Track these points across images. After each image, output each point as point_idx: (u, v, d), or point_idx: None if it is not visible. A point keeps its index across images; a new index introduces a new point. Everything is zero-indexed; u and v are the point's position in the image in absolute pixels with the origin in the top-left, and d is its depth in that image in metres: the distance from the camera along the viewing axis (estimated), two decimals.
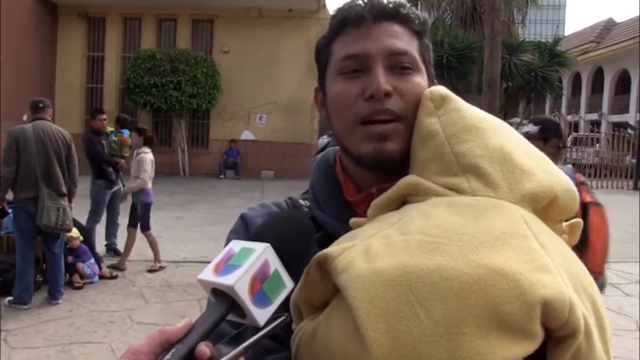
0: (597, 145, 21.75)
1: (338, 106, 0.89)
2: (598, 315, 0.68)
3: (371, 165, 0.87)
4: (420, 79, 0.87)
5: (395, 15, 0.88)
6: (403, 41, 0.87)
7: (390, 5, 0.89)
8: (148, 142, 6.89)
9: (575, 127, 27.01)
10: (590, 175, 18.98)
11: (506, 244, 0.65)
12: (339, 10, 0.91)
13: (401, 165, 0.84)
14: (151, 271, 6.67)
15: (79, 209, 6.57)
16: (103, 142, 7.21)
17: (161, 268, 6.78)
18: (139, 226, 6.78)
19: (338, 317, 0.67)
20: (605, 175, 19.31)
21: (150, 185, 6.76)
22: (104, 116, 7.27)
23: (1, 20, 13.24)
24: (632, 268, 7.42)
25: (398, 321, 0.61)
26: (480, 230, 0.66)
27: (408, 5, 0.92)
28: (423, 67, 0.89)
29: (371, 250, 0.67)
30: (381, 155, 0.84)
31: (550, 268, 0.64)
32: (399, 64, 0.86)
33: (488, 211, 0.69)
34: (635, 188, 18.53)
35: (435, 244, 0.65)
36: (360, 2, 0.89)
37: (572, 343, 0.63)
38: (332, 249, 0.69)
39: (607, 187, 18.66)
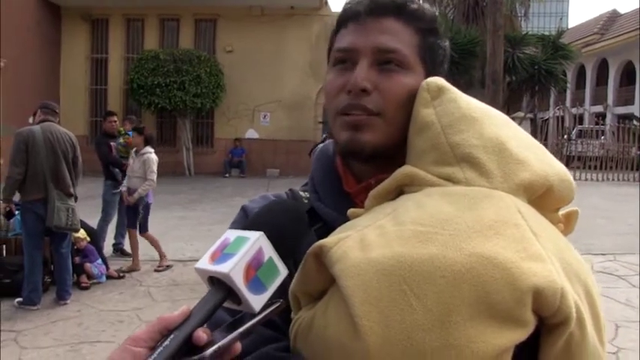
0: (602, 137, 21.60)
1: (327, 96, 0.92)
2: (592, 304, 0.69)
3: (345, 154, 0.89)
4: (409, 78, 0.86)
5: (396, 11, 0.88)
6: (396, 38, 0.87)
7: (395, 0, 0.89)
8: (149, 142, 6.76)
9: (580, 119, 26.90)
10: (595, 168, 18.93)
11: (499, 233, 0.65)
12: (345, 4, 0.93)
13: (393, 155, 0.85)
14: (157, 270, 6.68)
15: (85, 210, 6.61)
16: (112, 144, 7.28)
17: (168, 267, 6.76)
18: (138, 227, 6.69)
19: (334, 306, 0.68)
20: (611, 167, 19.19)
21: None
22: (114, 118, 7.51)
23: (4, 23, 13.27)
24: (638, 259, 7.39)
25: (391, 310, 0.62)
26: (473, 219, 0.66)
27: (417, 1, 0.91)
28: (417, 67, 0.88)
29: (365, 241, 0.68)
30: (352, 144, 0.85)
31: (542, 256, 0.65)
32: (385, 61, 0.86)
33: (482, 200, 0.69)
34: None
35: (429, 234, 0.65)
36: None
37: (564, 330, 0.64)
38: (327, 240, 0.71)
39: (613, 179, 18.57)
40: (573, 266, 0.69)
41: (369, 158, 0.86)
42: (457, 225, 0.66)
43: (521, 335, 0.63)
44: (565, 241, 0.75)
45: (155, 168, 6.58)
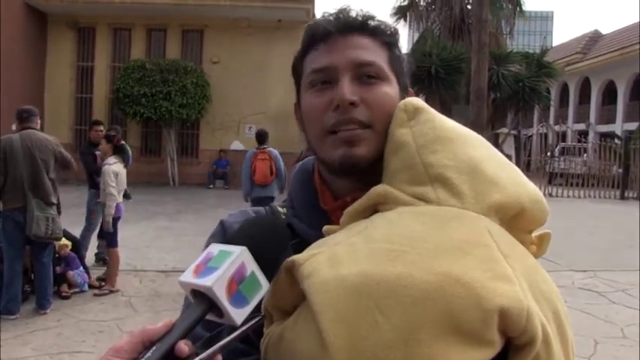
0: (585, 155, 21.89)
1: (309, 118, 0.92)
2: (559, 323, 0.70)
3: (340, 170, 0.88)
4: (388, 88, 0.89)
5: (362, 27, 0.91)
6: (370, 52, 0.89)
7: (358, 18, 0.91)
8: (117, 151, 6.34)
9: (563, 137, 27.20)
10: (577, 185, 19.15)
11: (468, 253, 0.66)
12: (309, 27, 0.95)
13: (372, 172, 0.85)
14: (97, 294, 6.05)
15: (69, 219, 6.56)
16: (97, 153, 7.26)
17: (111, 292, 6.13)
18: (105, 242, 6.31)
19: (303, 321, 0.69)
20: (593, 184, 19.44)
21: (120, 199, 6.26)
22: (100, 127, 7.54)
23: None
24: (617, 276, 7.48)
25: (358, 326, 0.63)
26: (441, 239, 0.67)
27: (377, 17, 0.94)
28: (392, 78, 0.91)
29: (336, 257, 0.69)
30: (349, 159, 0.86)
31: (509, 277, 0.66)
32: (365, 75, 0.88)
33: (452, 220, 0.70)
34: (622, 198, 18.69)
35: (397, 253, 0.66)
36: (329, 17, 0.92)
37: (530, 350, 0.65)
38: (299, 255, 0.72)
39: (594, 196, 18.80)
40: (541, 287, 0.70)
41: (363, 173, 0.86)
42: (426, 244, 0.67)
43: (486, 354, 0.64)
44: (535, 262, 0.76)
45: (111, 180, 6.03)
